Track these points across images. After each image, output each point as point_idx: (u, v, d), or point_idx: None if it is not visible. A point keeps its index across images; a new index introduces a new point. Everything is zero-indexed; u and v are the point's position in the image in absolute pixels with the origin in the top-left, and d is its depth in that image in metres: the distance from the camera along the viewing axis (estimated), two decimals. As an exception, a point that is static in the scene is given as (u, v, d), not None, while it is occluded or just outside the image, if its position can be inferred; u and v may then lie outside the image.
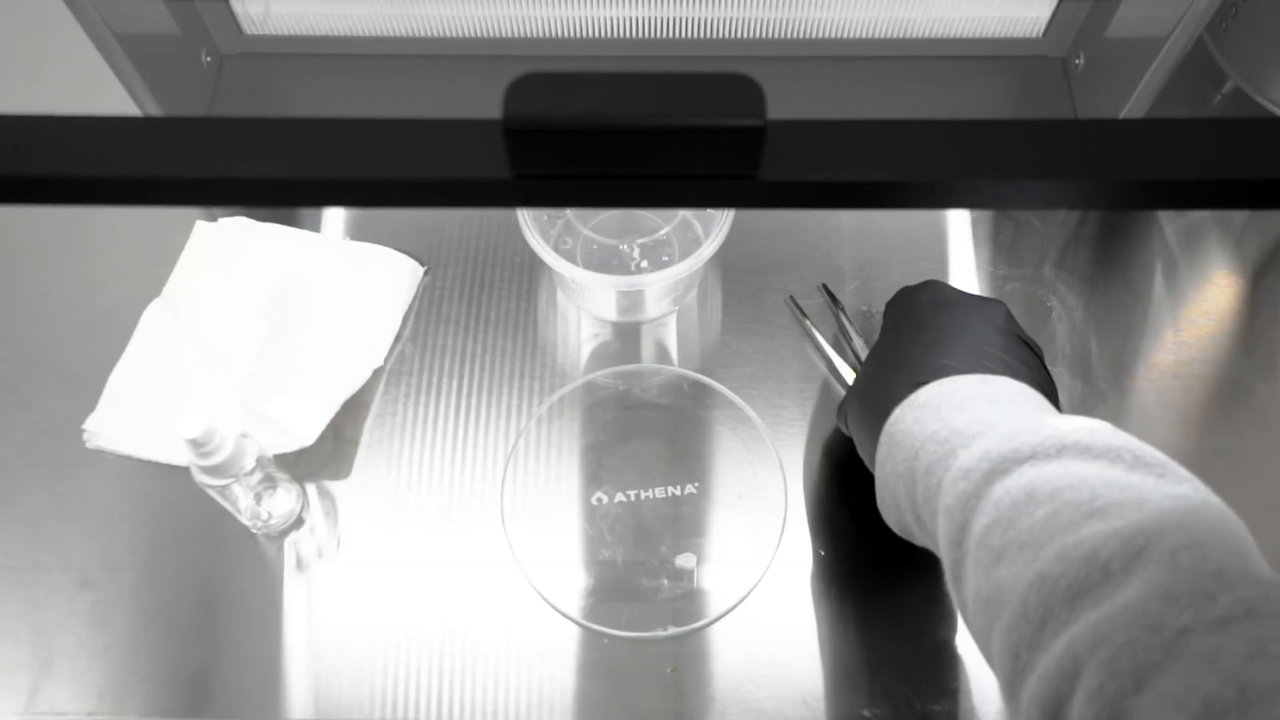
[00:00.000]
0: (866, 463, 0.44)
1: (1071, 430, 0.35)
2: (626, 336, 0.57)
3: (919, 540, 0.41)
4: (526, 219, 0.52)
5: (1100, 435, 0.35)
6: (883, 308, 0.58)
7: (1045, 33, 0.63)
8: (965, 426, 0.37)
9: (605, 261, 0.57)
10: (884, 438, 0.41)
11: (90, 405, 0.55)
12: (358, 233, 0.60)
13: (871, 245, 0.60)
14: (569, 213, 0.57)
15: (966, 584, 0.35)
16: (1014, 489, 0.34)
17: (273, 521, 0.51)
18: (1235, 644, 0.26)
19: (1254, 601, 0.27)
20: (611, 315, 0.57)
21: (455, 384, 0.56)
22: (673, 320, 0.58)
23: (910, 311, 0.46)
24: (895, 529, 0.43)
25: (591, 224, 0.57)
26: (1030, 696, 0.30)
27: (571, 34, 0.62)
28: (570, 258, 0.55)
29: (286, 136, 0.26)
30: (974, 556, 0.34)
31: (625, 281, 0.52)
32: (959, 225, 0.62)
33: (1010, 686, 0.32)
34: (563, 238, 0.57)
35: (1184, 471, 0.35)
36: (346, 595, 0.50)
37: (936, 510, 0.37)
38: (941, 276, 0.59)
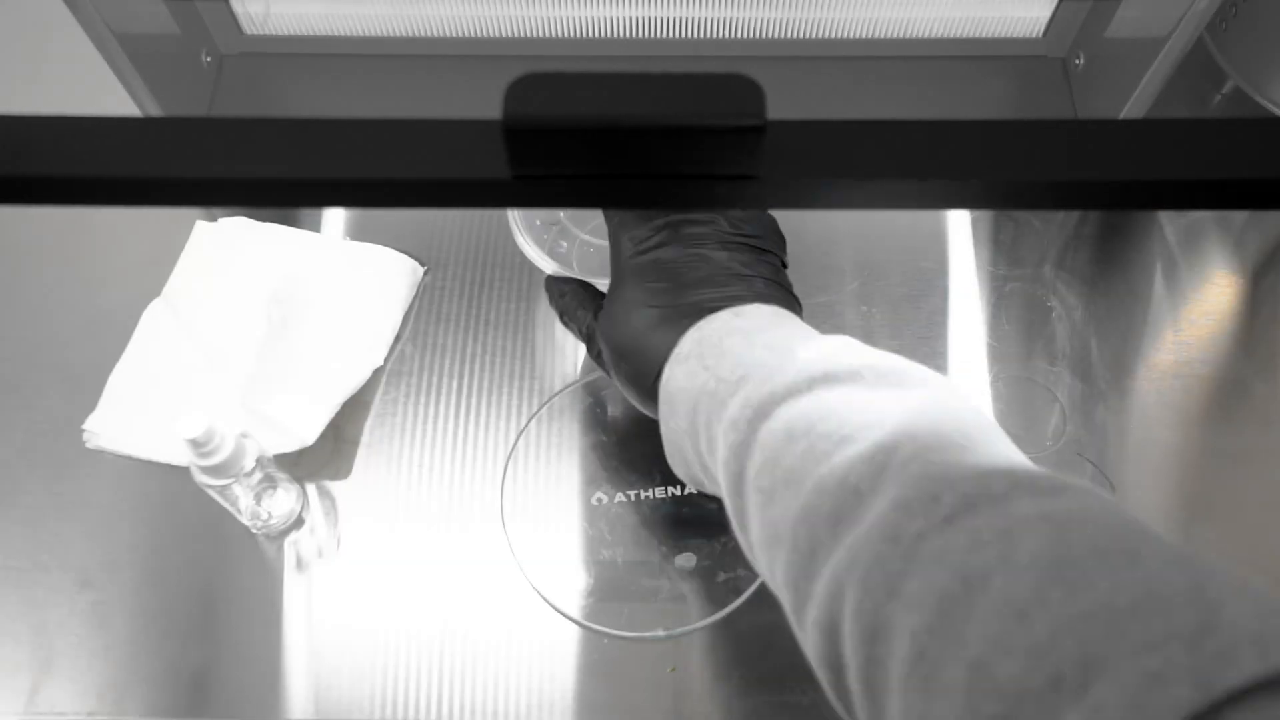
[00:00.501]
0: (644, 410, 0.45)
1: (818, 359, 0.37)
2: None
3: (710, 490, 0.42)
4: (518, 223, 0.52)
5: (841, 358, 0.37)
6: (883, 308, 0.58)
7: (1045, 33, 0.63)
8: (728, 373, 0.39)
9: (602, 265, 0.57)
10: (662, 395, 0.41)
11: (90, 405, 0.54)
12: (358, 233, 0.60)
13: (871, 245, 0.60)
14: (563, 217, 0.57)
15: (750, 529, 0.36)
16: (775, 430, 0.35)
17: (273, 521, 0.51)
18: (959, 538, 0.28)
19: (972, 495, 0.29)
20: None
21: (455, 384, 0.56)
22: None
23: (642, 247, 0.44)
24: (687, 482, 0.44)
25: (588, 228, 0.57)
26: (812, 623, 0.32)
27: (571, 34, 0.62)
28: (566, 262, 0.55)
29: (286, 136, 0.26)
30: (751, 500, 0.36)
31: None
32: (959, 225, 0.62)
33: (796, 616, 0.34)
34: (558, 241, 0.57)
35: (921, 373, 0.37)
36: (346, 595, 0.50)
37: (716, 462, 0.38)
38: (941, 276, 0.59)
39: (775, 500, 0.34)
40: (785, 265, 0.47)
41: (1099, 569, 0.26)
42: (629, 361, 0.43)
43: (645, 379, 0.42)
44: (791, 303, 0.44)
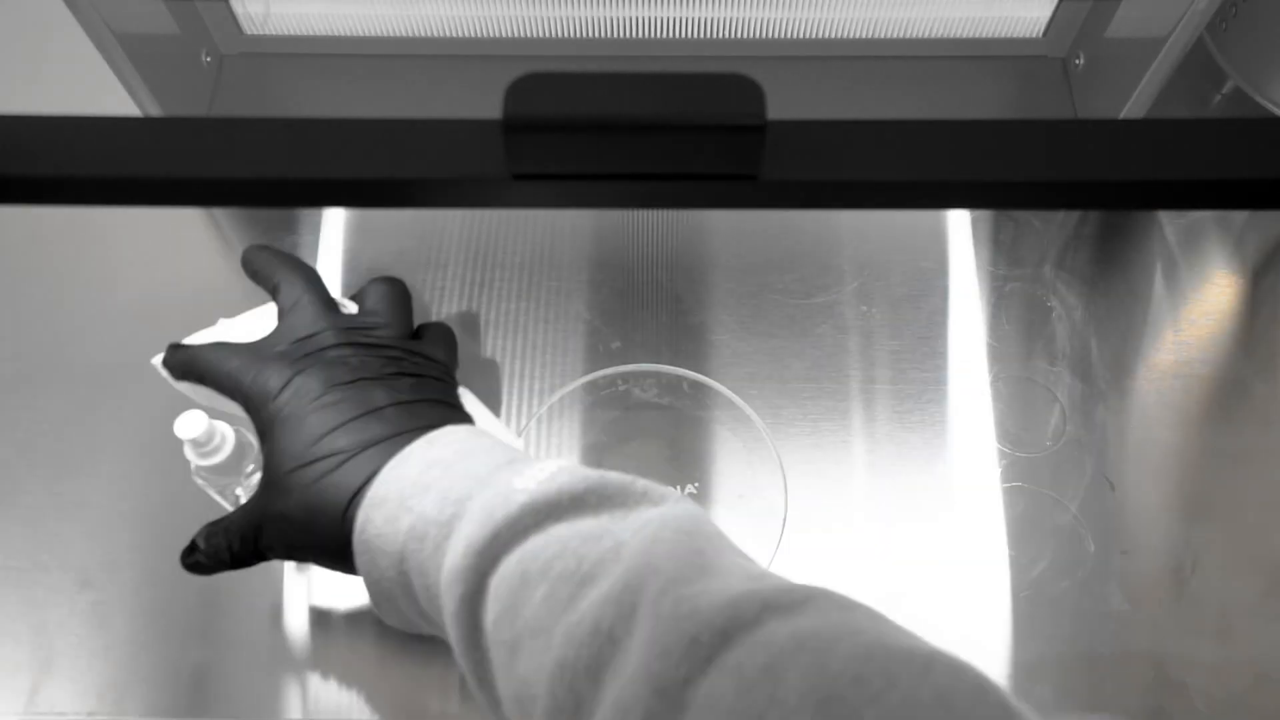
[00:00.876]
0: (327, 565, 0.42)
1: (536, 487, 0.35)
2: (627, 336, 0.57)
3: (435, 634, 0.40)
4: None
5: (560, 482, 0.35)
6: (883, 308, 0.58)
7: (1045, 33, 0.63)
8: (435, 511, 0.36)
9: None
10: (358, 546, 0.38)
11: (90, 405, 0.55)
12: (358, 233, 0.60)
13: (871, 245, 0.60)
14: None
15: (496, 683, 0.35)
16: (509, 576, 0.34)
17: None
18: (724, 682, 0.28)
19: (726, 628, 0.29)
20: None
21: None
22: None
23: (285, 400, 0.42)
24: (401, 628, 0.42)
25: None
26: None
27: (571, 34, 0.62)
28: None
29: (286, 136, 0.26)
30: (493, 655, 0.34)
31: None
32: (959, 225, 0.62)
33: None
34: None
35: (643, 486, 0.36)
36: (346, 595, 0.50)
37: (440, 612, 0.36)
38: (941, 276, 0.59)
39: (521, 654, 0.33)
40: (454, 377, 0.46)
41: (861, 699, 0.26)
42: (311, 525, 0.39)
43: (334, 539, 0.39)
44: (453, 399, 0.43)
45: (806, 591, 0.30)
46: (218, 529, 0.43)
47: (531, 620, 0.32)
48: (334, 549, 0.39)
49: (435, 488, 0.37)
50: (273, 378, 0.42)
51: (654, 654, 0.29)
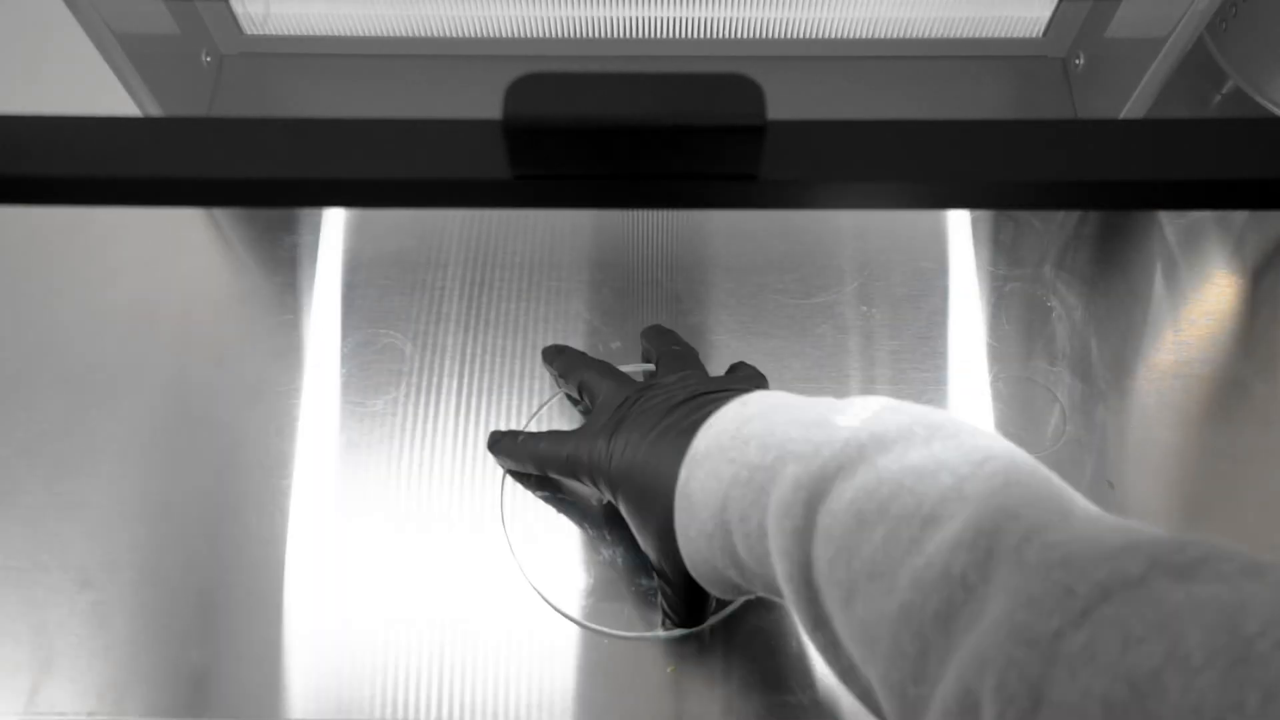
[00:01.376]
0: (646, 539, 0.44)
1: (861, 426, 0.34)
2: (627, 336, 0.57)
3: (744, 591, 0.41)
4: None
5: (886, 419, 0.34)
6: (883, 308, 0.58)
7: (1045, 33, 0.63)
8: (758, 458, 0.36)
9: None
10: (680, 504, 0.40)
11: (90, 405, 0.55)
12: (358, 233, 0.60)
13: (871, 245, 0.60)
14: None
15: (831, 624, 0.34)
16: (840, 514, 0.33)
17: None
18: (1106, 634, 0.25)
19: (1106, 582, 0.27)
20: None
21: (455, 384, 0.56)
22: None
23: (618, 449, 0.45)
24: (714, 590, 0.42)
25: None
26: None
27: (571, 34, 0.62)
28: None
29: (286, 136, 0.26)
30: (827, 595, 0.33)
31: None
32: (959, 225, 0.62)
33: None
34: None
35: (963, 423, 0.35)
36: (346, 595, 0.50)
37: (767, 554, 0.36)
38: (941, 276, 0.59)
39: (859, 596, 0.32)
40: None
41: None
42: (635, 468, 0.42)
43: (661, 483, 0.41)
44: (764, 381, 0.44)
45: (1200, 550, 0.27)
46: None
47: (870, 562, 0.31)
48: (651, 501, 0.41)
49: (755, 438, 0.37)
50: (601, 443, 0.45)
51: (1019, 603, 0.27)
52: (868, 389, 0.56)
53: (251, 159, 0.26)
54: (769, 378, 0.56)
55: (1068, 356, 0.57)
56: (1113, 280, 0.59)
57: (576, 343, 0.57)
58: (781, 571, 0.35)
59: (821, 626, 0.34)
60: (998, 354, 0.57)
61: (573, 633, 0.49)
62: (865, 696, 0.34)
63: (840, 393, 0.55)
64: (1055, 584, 0.27)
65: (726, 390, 0.44)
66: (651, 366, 0.54)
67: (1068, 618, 0.26)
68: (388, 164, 0.26)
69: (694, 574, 0.41)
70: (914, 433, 0.34)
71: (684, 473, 0.39)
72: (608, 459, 0.44)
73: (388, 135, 0.26)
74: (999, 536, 0.29)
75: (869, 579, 0.31)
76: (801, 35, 0.63)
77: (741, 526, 0.37)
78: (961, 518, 0.30)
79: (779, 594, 0.37)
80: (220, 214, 0.61)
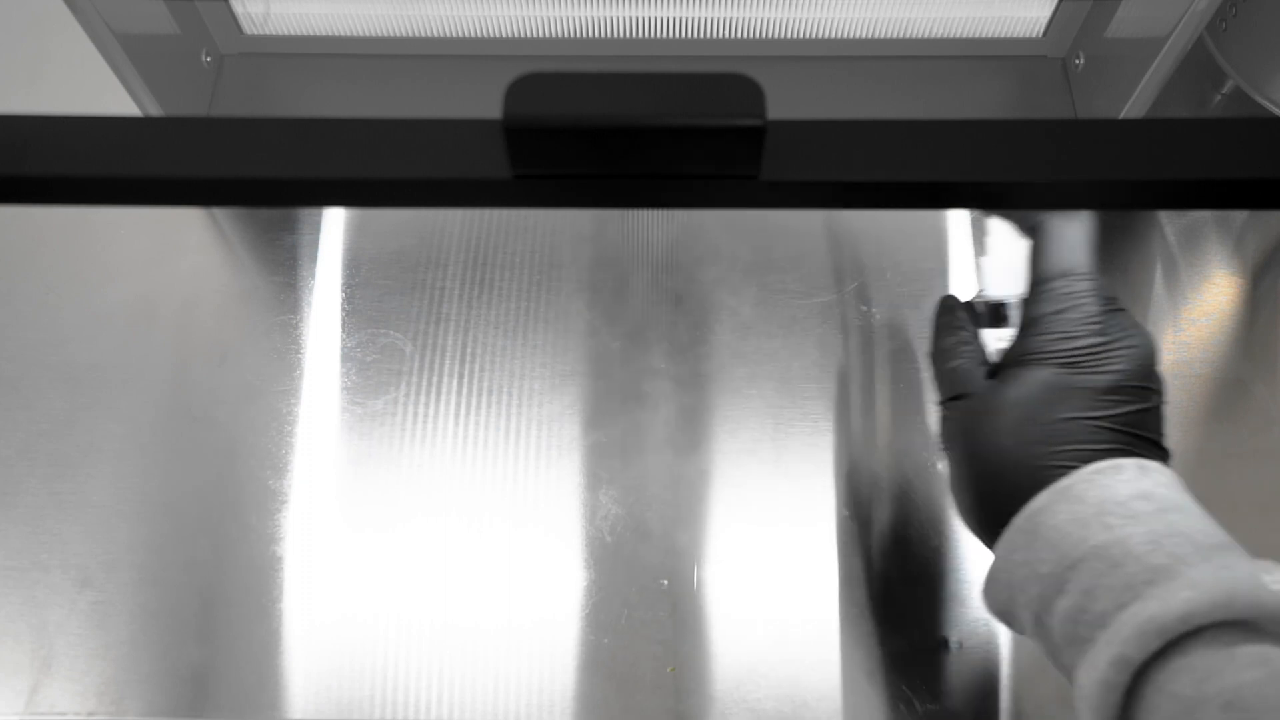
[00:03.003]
0: (967, 505, 0.40)
1: (1223, 588, 0.31)
2: (627, 336, 0.57)
3: (1016, 630, 0.38)
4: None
5: (1244, 594, 0.30)
6: (883, 308, 0.58)
7: (1045, 33, 0.63)
8: (1144, 551, 0.33)
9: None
10: (1022, 523, 0.36)
11: (90, 405, 0.55)
12: (358, 233, 0.60)
13: (871, 245, 0.60)
14: None
15: None
16: (1185, 679, 0.30)
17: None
18: None
19: None
20: None
21: (455, 384, 0.56)
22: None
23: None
24: (992, 610, 0.39)
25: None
26: None
27: (571, 34, 0.62)
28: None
29: (286, 136, 0.26)
30: None
31: None
32: (959, 225, 0.62)
33: None
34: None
35: None
36: (346, 595, 0.50)
37: (1086, 641, 0.33)
38: (941, 277, 0.59)
39: None
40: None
41: None
42: (1002, 455, 0.38)
43: (1012, 487, 0.37)
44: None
45: None
46: (965, 351, 0.43)
47: None
48: (989, 490, 0.38)
49: (1145, 522, 0.34)
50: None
51: None
52: (868, 389, 0.56)
53: (251, 159, 0.26)
54: (769, 377, 0.56)
55: (1068, 356, 0.57)
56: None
57: (577, 342, 0.57)
58: (1100, 677, 0.32)
59: None
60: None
61: (573, 632, 0.49)
62: None
63: (841, 390, 0.55)
64: None
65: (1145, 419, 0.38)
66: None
67: None
68: (388, 164, 0.26)
69: (989, 584, 0.38)
70: (1264, 625, 0.31)
71: (1045, 496, 0.36)
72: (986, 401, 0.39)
73: (388, 135, 0.26)
74: None
75: None
76: (801, 35, 0.63)
77: (1080, 600, 0.34)
78: None
79: (1063, 671, 0.35)
80: (220, 214, 0.61)
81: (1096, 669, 0.33)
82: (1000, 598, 0.38)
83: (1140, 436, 0.37)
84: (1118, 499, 0.34)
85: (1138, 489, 0.35)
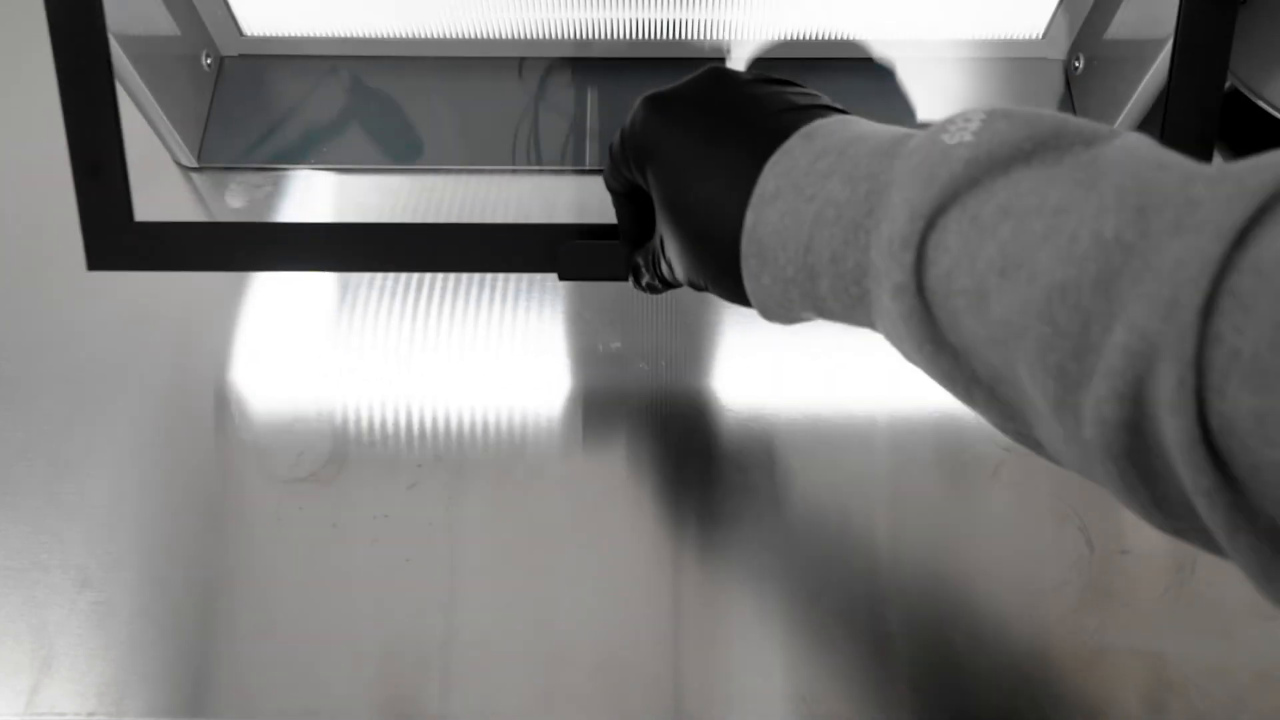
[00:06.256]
0: (701, 277, 0.40)
1: (974, 139, 0.31)
2: (627, 337, 0.57)
3: (792, 320, 0.38)
4: None
5: (1001, 129, 0.31)
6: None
7: (1044, 35, 0.63)
8: (848, 194, 0.33)
9: None
10: (748, 249, 0.36)
11: (90, 405, 0.55)
12: (358, 233, 0.60)
13: (871, 246, 0.60)
14: None
15: (951, 334, 0.31)
16: (952, 229, 0.30)
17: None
18: None
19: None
20: None
21: (455, 384, 0.56)
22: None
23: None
24: (778, 322, 0.39)
25: None
26: (1097, 400, 0.26)
27: (571, 35, 0.62)
28: None
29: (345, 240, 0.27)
30: (946, 308, 0.31)
31: None
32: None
33: (1060, 407, 0.28)
34: None
35: (1097, 124, 0.31)
36: (346, 595, 0.50)
37: (866, 293, 0.33)
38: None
39: (991, 295, 0.29)
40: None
41: None
42: (697, 227, 0.38)
43: (722, 240, 0.37)
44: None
45: None
46: (647, 252, 0.44)
47: (998, 259, 0.29)
48: (723, 262, 0.37)
49: (836, 173, 0.33)
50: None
51: (1188, 228, 0.25)
52: (868, 388, 0.56)
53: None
54: (769, 376, 0.56)
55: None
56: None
57: (576, 343, 0.57)
58: (897, 309, 0.32)
59: (941, 348, 0.32)
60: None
61: (572, 631, 0.49)
62: (989, 402, 0.32)
63: (841, 390, 0.55)
64: (1223, 198, 0.24)
65: (802, 103, 0.38)
66: None
67: (1247, 213, 0.23)
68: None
69: (761, 313, 0.38)
70: (1045, 144, 0.30)
71: (751, 216, 0.35)
72: (637, 140, 0.39)
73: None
74: (1148, 193, 0.26)
75: (1001, 275, 0.29)
76: (800, 37, 0.63)
77: (833, 268, 0.34)
78: (1100, 190, 0.27)
79: (870, 326, 0.35)
80: (220, 214, 0.61)
81: (881, 305, 0.33)
82: (781, 315, 0.38)
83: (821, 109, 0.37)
84: (802, 170, 0.34)
85: (813, 151, 0.34)
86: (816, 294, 0.35)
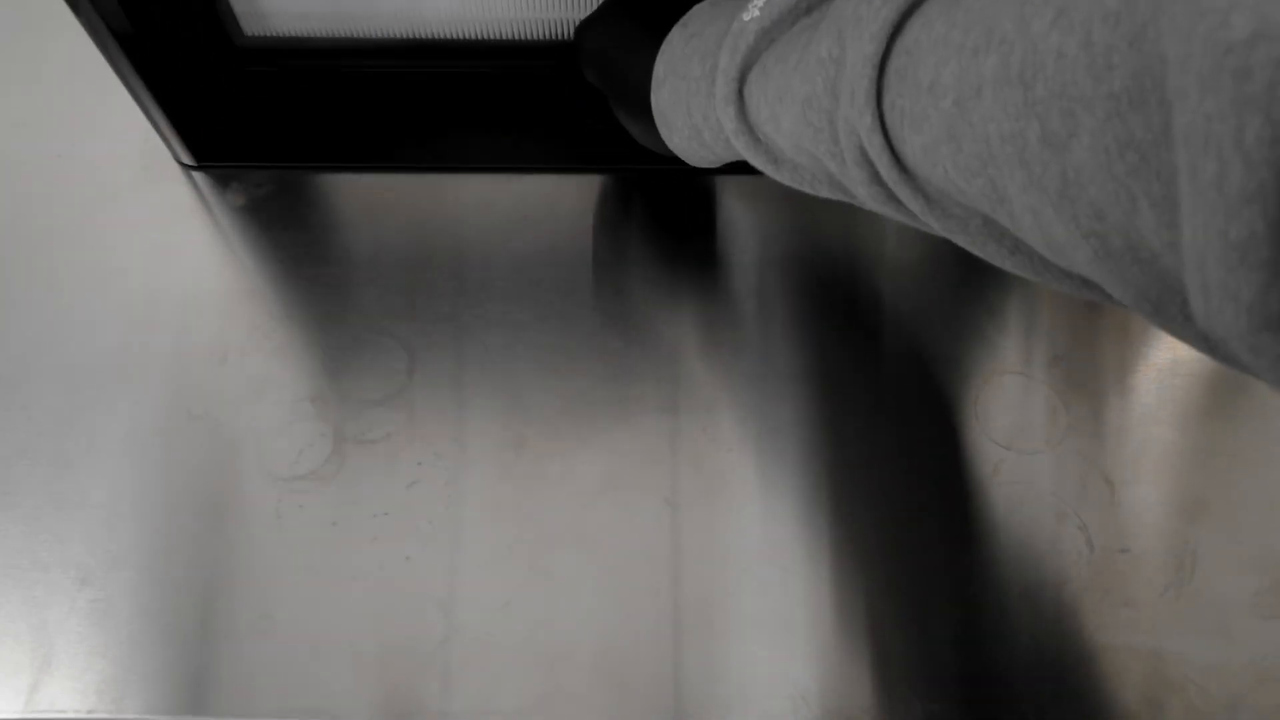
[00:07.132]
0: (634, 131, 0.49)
1: (761, 13, 0.39)
2: (627, 337, 0.57)
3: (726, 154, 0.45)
4: None
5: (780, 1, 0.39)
6: (883, 307, 0.58)
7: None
8: (701, 71, 0.41)
9: None
10: (658, 119, 0.45)
11: (89, 404, 0.55)
12: (358, 232, 0.60)
13: (872, 245, 0.60)
14: None
15: (775, 144, 0.40)
16: (753, 79, 0.39)
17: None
18: None
19: None
20: None
21: (455, 384, 0.56)
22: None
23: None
24: (707, 165, 0.47)
25: None
26: (854, 163, 0.34)
27: (570, 36, 0.62)
28: None
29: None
30: (763, 134, 0.40)
31: None
32: (959, 225, 0.62)
33: (832, 162, 0.36)
34: None
35: None
36: (346, 594, 0.50)
37: (728, 143, 0.42)
38: (942, 278, 0.59)
39: (780, 118, 0.37)
40: None
41: None
42: (626, 111, 0.48)
43: (644, 118, 0.46)
44: None
45: None
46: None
47: (774, 91, 0.37)
48: (651, 132, 0.47)
49: (695, 54, 0.42)
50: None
51: (861, 47, 0.32)
52: (868, 387, 0.56)
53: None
54: (771, 372, 0.56)
55: (1068, 354, 0.57)
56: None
57: (576, 343, 0.57)
58: (739, 145, 0.41)
59: (770, 161, 0.40)
60: (998, 351, 0.57)
61: (572, 630, 0.49)
62: (794, 179, 0.41)
63: (841, 390, 0.55)
64: (878, 6, 0.32)
65: None
66: None
67: (893, 18, 0.31)
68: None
69: (686, 160, 0.47)
70: (800, 7, 0.38)
71: (654, 99, 0.45)
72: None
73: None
74: (844, 19, 0.33)
75: (779, 102, 0.37)
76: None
77: (706, 124, 0.42)
78: (822, 27, 0.35)
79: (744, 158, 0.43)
80: (220, 213, 0.61)
81: (735, 143, 0.41)
82: (706, 161, 0.46)
83: None
84: (678, 57, 0.43)
85: (684, 36, 0.43)
86: (705, 143, 0.44)
